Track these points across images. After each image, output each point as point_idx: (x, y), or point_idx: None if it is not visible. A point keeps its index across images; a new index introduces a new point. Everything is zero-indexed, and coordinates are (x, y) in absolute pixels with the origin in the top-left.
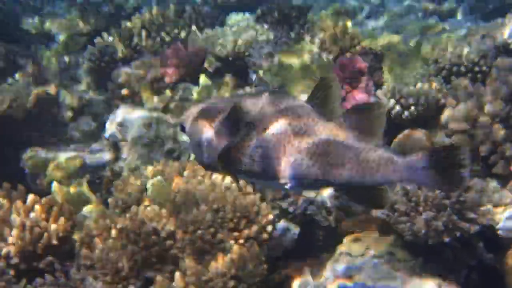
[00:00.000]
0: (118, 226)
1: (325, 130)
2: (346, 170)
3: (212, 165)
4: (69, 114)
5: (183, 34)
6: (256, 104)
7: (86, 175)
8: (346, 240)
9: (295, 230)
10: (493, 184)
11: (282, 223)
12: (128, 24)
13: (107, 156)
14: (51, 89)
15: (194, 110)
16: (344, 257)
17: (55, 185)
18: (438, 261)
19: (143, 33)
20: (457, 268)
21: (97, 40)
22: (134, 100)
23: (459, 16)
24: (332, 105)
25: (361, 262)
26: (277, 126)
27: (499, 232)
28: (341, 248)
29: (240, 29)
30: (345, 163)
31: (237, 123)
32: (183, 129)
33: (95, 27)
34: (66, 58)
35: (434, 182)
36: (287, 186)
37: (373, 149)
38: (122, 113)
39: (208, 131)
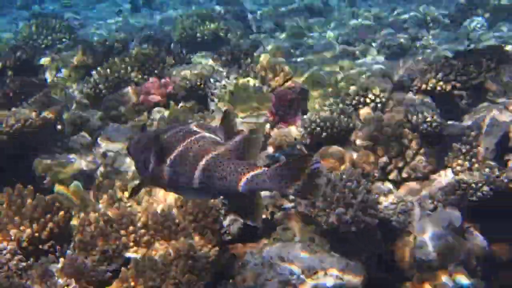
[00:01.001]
0: (105, 217)
1: (217, 150)
2: (224, 181)
3: (145, 181)
4: (70, 129)
5: (159, 69)
6: (177, 132)
7: (82, 178)
8: (278, 229)
9: (240, 221)
10: (389, 186)
11: (230, 216)
12: (116, 60)
13: (98, 163)
14: (55, 110)
15: (135, 138)
16: (276, 242)
17: (57, 186)
18: (346, 246)
19: (128, 68)
20: (360, 252)
21: (94, 72)
22: (121, 119)
23: (369, 57)
24: (254, 150)
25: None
26: (182, 148)
27: (393, 223)
28: (275, 236)
29: (201, 66)
30: (224, 176)
31: (154, 149)
32: (128, 151)
33: (93, 62)
34: (72, 86)
35: (285, 188)
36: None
37: (245, 165)
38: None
39: (140, 155)
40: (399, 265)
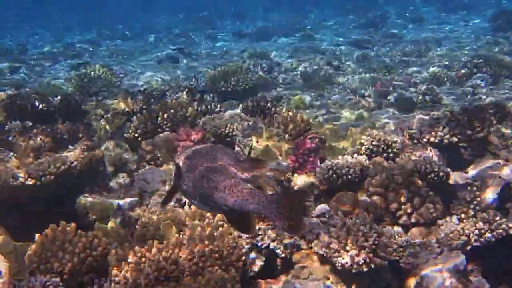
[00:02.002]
0: (138, 254)
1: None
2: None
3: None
4: (111, 170)
5: (191, 117)
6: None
7: (120, 215)
8: (296, 267)
9: (262, 259)
10: (399, 230)
11: (253, 254)
12: (154, 107)
13: (135, 201)
14: (98, 153)
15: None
16: (294, 279)
17: (97, 223)
18: (359, 283)
19: (165, 115)
20: None
21: (133, 118)
22: (156, 162)
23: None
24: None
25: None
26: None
27: (401, 264)
28: (293, 273)
29: (229, 115)
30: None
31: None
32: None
33: (133, 109)
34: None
35: (279, 221)
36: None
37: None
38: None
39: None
40: None
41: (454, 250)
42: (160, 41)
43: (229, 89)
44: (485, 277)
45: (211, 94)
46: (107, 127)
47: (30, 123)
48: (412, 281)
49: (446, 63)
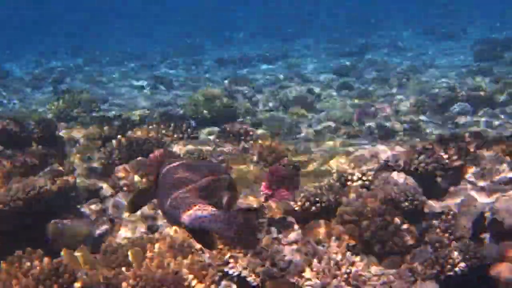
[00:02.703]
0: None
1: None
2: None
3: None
4: (83, 195)
5: (167, 143)
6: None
7: (91, 242)
8: None
9: (233, 287)
10: (372, 259)
11: (223, 282)
12: (129, 133)
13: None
14: (71, 178)
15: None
16: None
17: (63, 249)
18: None
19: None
20: None
21: (108, 144)
22: (129, 188)
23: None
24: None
25: None
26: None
27: None
28: None
29: (204, 143)
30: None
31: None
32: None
33: (108, 134)
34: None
35: (231, 237)
36: None
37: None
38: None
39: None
40: None
41: (427, 279)
42: (145, 67)
43: (210, 115)
44: None
45: (189, 120)
46: (81, 152)
47: (1, 148)
48: None
49: (430, 90)
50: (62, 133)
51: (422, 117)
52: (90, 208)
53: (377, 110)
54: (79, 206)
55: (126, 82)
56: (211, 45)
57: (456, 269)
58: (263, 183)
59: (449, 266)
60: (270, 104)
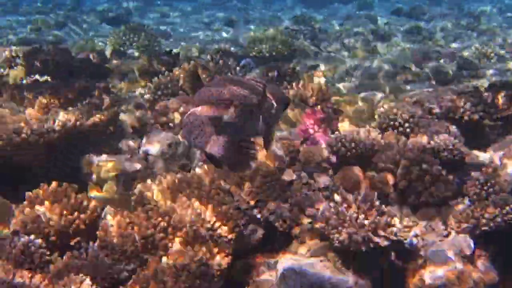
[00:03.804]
0: (127, 220)
1: None
2: None
3: None
4: (128, 130)
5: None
6: None
7: (123, 178)
8: (294, 242)
9: (260, 231)
10: (407, 211)
11: (250, 226)
12: (176, 69)
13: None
14: (109, 113)
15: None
16: (290, 256)
17: (90, 184)
18: (357, 263)
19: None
20: (371, 269)
21: (154, 79)
22: (168, 126)
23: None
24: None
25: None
26: None
27: (406, 245)
28: (291, 248)
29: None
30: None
31: None
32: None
33: (156, 69)
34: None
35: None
36: None
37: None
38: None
39: None
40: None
41: (462, 233)
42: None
43: (267, 54)
44: (493, 263)
45: (246, 59)
46: (127, 87)
47: (49, 79)
48: (415, 265)
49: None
50: (114, 66)
51: (487, 64)
52: (127, 144)
53: (437, 53)
54: (117, 141)
55: (197, 17)
56: None
57: (492, 224)
58: (299, 126)
59: (484, 220)
60: (333, 46)
